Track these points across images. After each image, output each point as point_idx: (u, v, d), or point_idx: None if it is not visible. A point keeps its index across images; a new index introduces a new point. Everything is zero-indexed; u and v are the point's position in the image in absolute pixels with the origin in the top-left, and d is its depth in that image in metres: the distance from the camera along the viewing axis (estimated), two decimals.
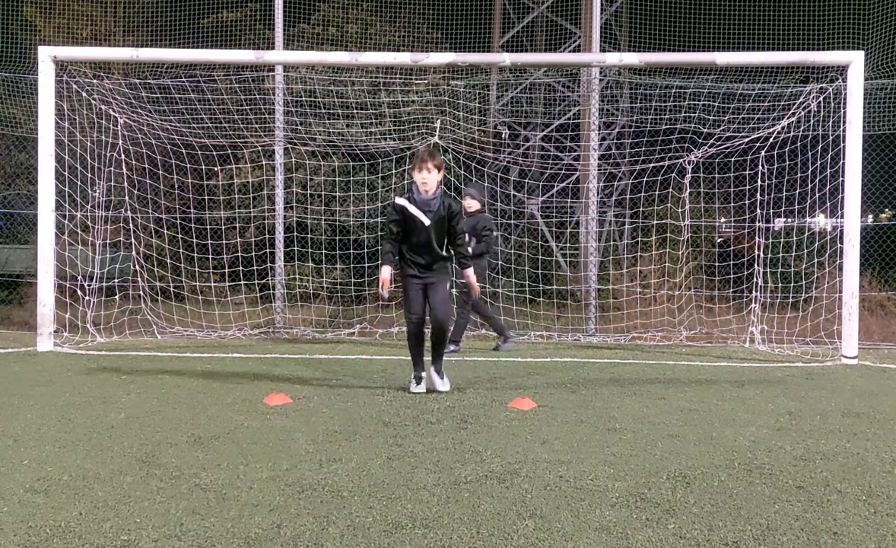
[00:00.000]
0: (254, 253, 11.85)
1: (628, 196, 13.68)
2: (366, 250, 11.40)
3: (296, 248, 12.16)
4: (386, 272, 5.92)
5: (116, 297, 10.51)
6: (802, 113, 9.61)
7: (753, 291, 10.33)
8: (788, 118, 9.78)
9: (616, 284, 11.79)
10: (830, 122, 9.24)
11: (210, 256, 11.09)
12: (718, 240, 13.88)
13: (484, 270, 8.81)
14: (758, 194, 10.33)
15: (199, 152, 10.85)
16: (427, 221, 5.91)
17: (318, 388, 6.32)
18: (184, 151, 10.89)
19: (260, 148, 11.61)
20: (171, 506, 3.32)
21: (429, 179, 5.90)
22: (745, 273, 10.98)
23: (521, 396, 5.81)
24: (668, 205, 11.23)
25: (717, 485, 3.71)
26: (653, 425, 5.05)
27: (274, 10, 11.01)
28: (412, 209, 5.93)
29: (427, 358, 6.23)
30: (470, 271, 6.23)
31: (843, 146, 8.49)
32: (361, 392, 6.13)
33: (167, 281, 11.23)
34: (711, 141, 10.49)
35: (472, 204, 8.84)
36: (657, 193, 11.34)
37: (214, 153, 11.06)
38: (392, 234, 5.99)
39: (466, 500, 3.44)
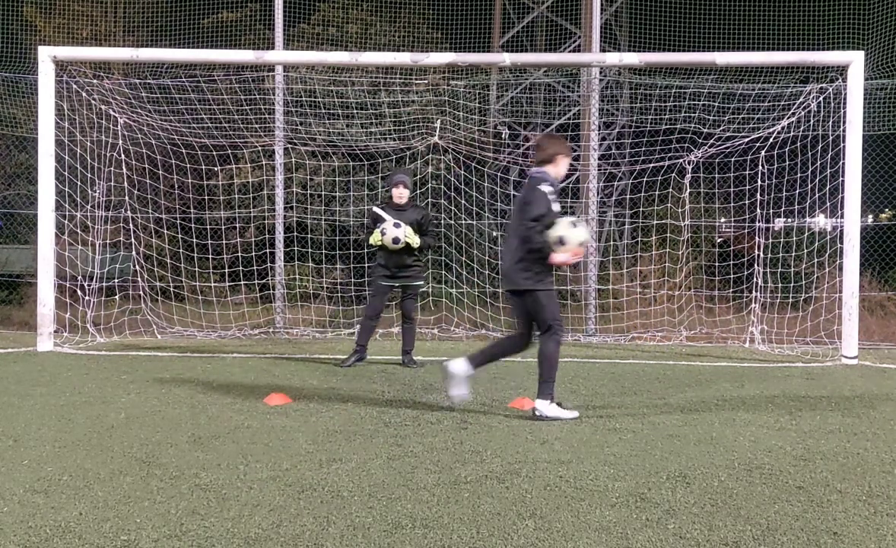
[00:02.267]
0: (254, 253, 11.84)
1: (628, 196, 13.67)
2: (366, 250, 11.38)
3: (296, 248, 12.14)
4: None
5: (116, 297, 10.51)
6: (802, 113, 9.61)
7: (753, 291, 10.32)
8: (788, 118, 9.78)
9: (616, 284, 11.78)
10: (830, 122, 9.23)
11: (210, 256, 11.08)
12: (718, 240, 13.88)
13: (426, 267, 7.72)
14: (758, 194, 10.32)
15: (199, 152, 10.84)
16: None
17: (318, 388, 6.32)
18: (184, 151, 10.88)
19: (260, 148, 11.61)
20: (171, 506, 3.32)
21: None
22: (745, 273, 10.97)
23: (521, 396, 5.81)
24: (668, 205, 11.22)
25: (717, 485, 3.71)
26: (653, 425, 5.05)
27: (274, 10, 11.00)
28: None
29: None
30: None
31: (843, 146, 8.48)
32: (361, 392, 6.13)
33: (167, 281, 11.22)
34: (711, 141, 10.49)
35: (405, 193, 7.56)
36: (657, 193, 11.32)
37: (214, 153, 11.05)
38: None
39: (466, 500, 3.44)
